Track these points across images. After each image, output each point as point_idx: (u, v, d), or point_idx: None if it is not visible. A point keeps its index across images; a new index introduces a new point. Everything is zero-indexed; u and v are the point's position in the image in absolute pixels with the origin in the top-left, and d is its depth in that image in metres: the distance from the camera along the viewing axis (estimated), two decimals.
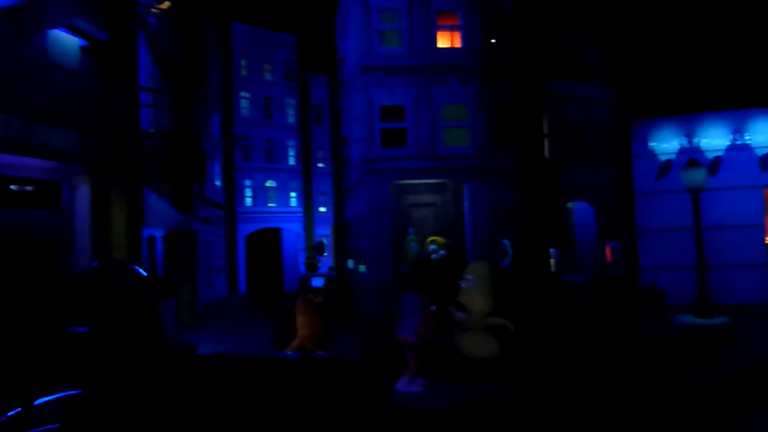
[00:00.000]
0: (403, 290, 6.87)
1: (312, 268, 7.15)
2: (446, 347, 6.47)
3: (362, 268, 11.79)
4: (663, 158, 10.86)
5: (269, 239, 20.10)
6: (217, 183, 16.77)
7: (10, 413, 1.15)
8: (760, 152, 10.59)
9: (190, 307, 10.31)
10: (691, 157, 9.03)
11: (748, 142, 10.63)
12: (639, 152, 11.17)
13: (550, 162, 12.24)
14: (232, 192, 18.05)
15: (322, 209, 22.28)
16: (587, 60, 13.28)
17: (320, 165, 22.40)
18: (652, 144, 11.03)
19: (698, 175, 8.16)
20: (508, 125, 11.76)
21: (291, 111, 21.90)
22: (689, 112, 10.79)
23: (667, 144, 10.91)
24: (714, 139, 10.72)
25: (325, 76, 20.05)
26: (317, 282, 6.63)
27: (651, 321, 8.69)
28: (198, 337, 9.00)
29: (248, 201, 20.64)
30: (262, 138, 20.92)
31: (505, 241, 11.90)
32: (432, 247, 10.44)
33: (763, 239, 10.68)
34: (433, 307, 6.42)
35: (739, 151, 10.51)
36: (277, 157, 21.43)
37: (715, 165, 10.50)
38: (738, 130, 10.54)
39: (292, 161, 21.89)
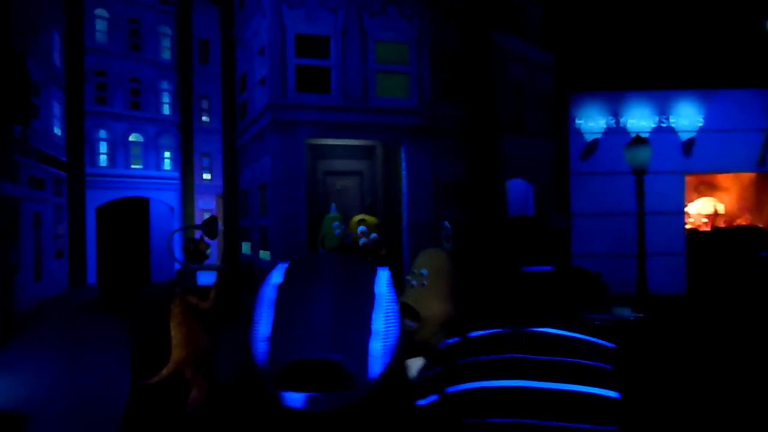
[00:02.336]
0: None
1: (198, 256, 5.54)
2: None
3: (264, 254, 10.35)
4: (589, 137, 11.20)
5: (132, 213, 17.70)
6: (56, 131, 14.03)
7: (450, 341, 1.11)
8: (683, 136, 11.17)
9: None
10: (633, 134, 8.97)
11: (672, 125, 11.20)
12: (572, 129, 11.50)
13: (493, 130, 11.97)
14: (79, 146, 15.23)
15: (207, 176, 20.22)
16: (529, 16, 13.30)
17: (205, 118, 20.17)
18: (580, 121, 11.29)
19: (644, 154, 8.13)
20: (453, 77, 11.17)
21: (167, 43, 19.39)
22: (617, 89, 11.25)
23: (593, 122, 11.24)
24: (640, 120, 11.13)
25: (215, 6, 17.72)
26: (206, 278, 5.09)
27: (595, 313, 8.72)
28: (5, 361, 6.92)
29: (102, 160, 18.01)
30: (125, 75, 18.24)
31: (446, 223, 11.34)
32: (361, 228, 9.18)
33: (683, 227, 11.34)
34: None
35: (663, 134, 11.00)
36: (146, 104, 18.89)
37: None
38: (664, 112, 11.14)
39: (166, 110, 19.47)
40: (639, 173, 8.23)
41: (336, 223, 10.80)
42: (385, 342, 0.75)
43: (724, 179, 13.31)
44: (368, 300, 0.77)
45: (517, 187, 13.10)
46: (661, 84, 11.15)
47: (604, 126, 11.19)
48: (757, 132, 11.38)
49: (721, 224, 12.93)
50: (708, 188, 13.36)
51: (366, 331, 0.74)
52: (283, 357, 0.73)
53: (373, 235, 9.92)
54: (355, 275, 0.80)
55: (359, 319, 0.75)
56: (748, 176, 12.94)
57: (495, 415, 1.05)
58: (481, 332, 1.17)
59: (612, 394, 1.04)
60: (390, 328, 0.76)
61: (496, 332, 1.15)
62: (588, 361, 1.07)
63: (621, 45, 11.34)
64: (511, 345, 1.11)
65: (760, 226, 12.59)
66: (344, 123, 9.76)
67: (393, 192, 10.57)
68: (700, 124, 11.27)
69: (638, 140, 8.35)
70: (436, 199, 10.42)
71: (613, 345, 1.12)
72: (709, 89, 11.28)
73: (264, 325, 0.75)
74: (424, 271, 3.04)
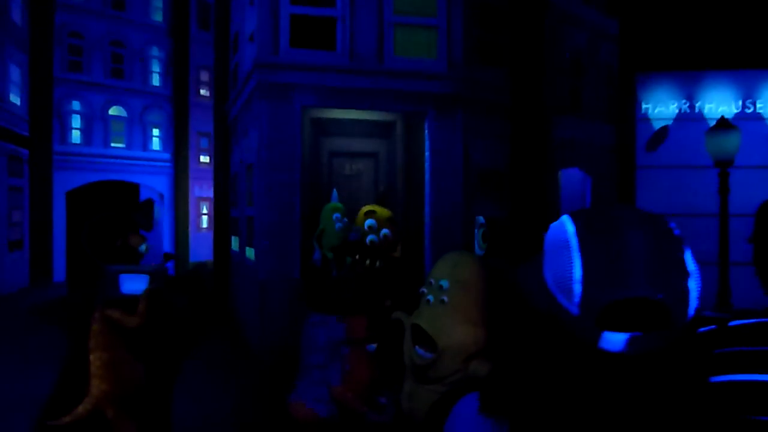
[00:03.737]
0: (312, 307, 4.68)
1: (127, 255, 4.31)
2: (388, 421, 4.38)
3: (250, 252, 9.14)
4: (657, 124, 10.27)
5: (113, 198, 16.80)
6: (14, 99, 12.97)
7: (704, 329, 1.31)
8: None
9: None
10: (720, 117, 8.17)
11: (760, 110, 10.04)
12: (638, 114, 10.58)
13: (543, 107, 10.81)
14: (46, 119, 14.21)
15: (205, 159, 19.25)
16: None
17: (204, 92, 19.17)
18: (647, 105, 10.34)
19: (731, 141, 7.58)
20: (495, 36, 9.88)
21: (159, 3, 18.36)
22: (692, 68, 10.41)
23: (663, 107, 10.40)
24: (720, 105, 10.15)
25: None
26: (133, 284, 3.87)
27: None
28: None
29: (75, 136, 16.95)
30: (106, 38, 17.17)
31: (481, 218, 10.18)
32: (369, 222, 7.82)
33: None
34: (372, 345, 4.33)
35: (749, 121, 9.91)
36: (132, 73, 17.84)
37: None
38: (749, 95, 10.22)
39: (156, 81, 18.46)
40: (724, 164, 7.63)
41: (337, 215, 9.20)
42: (698, 283, 0.81)
43: None
44: (677, 241, 0.82)
45: (571, 179, 12.18)
46: (747, 62, 10.13)
47: (676, 111, 10.36)
48: None
49: None
50: None
51: (683, 271, 0.80)
52: (601, 297, 0.78)
53: (385, 230, 8.38)
54: (655, 219, 0.85)
55: (674, 259, 0.80)
56: None
57: (758, 411, 1.07)
58: (743, 321, 1.20)
59: None
60: (699, 272, 0.82)
61: (763, 321, 1.18)
62: None
63: (699, 14, 10.13)
64: None
65: None
66: (352, 89, 8.49)
67: (416, 179, 9.32)
68: None
69: (723, 124, 7.75)
70: (468, 188, 9.17)
71: None
72: None
73: (573, 267, 0.80)
74: (445, 283, 2.48)
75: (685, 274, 0.79)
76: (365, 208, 7.93)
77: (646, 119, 10.35)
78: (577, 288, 0.79)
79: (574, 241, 0.81)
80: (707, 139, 7.76)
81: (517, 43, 9.90)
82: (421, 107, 8.83)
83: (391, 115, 9.28)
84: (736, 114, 9.94)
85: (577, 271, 0.79)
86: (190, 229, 17.43)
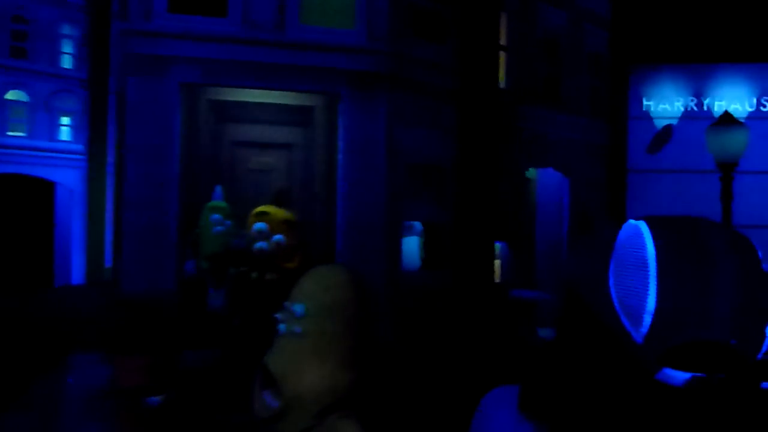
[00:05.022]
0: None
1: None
2: None
3: (119, 260, 8.29)
4: (660, 123, 9.90)
5: (21, 196, 16.18)
6: None
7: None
8: None
9: None
10: (724, 112, 7.72)
11: None
12: (632, 110, 10.16)
13: (505, 95, 10.26)
14: None
15: None
16: None
17: None
18: (648, 102, 9.86)
19: (736, 140, 7.07)
20: (435, 6, 9.28)
21: None
22: (699, 60, 10.10)
23: (666, 104, 10.00)
24: (732, 102, 9.72)
25: None
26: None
27: None
28: None
29: None
30: (5, 12, 16.51)
31: (416, 224, 9.59)
32: (258, 226, 6.98)
33: None
34: (155, 398, 3.53)
35: (765, 121, 9.61)
36: (37, 52, 17.19)
37: None
38: (766, 92, 9.99)
39: (67, 63, 17.88)
40: (727, 167, 7.12)
41: (216, 217, 8.10)
42: None
43: None
44: (764, 278, 0.82)
45: (548, 180, 11.75)
46: (764, 55, 9.76)
47: (681, 109, 10.04)
48: None
49: None
50: None
51: (764, 315, 0.80)
52: (672, 337, 0.79)
53: (278, 236, 7.42)
54: (746, 246, 0.84)
55: (759, 299, 0.80)
56: None
57: None
58: None
59: None
60: None
61: None
62: None
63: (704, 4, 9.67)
64: None
65: None
66: (248, 64, 7.77)
67: (334, 174, 8.55)
68: None
69: (727, 119, 7.25)
70: (394, 185, 8.53)
71: None
72: None
73: (647, 296, 0.80)
74: (299, 309, 2.08)
75: (765, 318, 0.80)
76: (257, 209, 7.03)
77: (642, 117, 9.88)
78: (647, 320, 0.79)
79: (653, 265, 0.79)
80: (708, 137, 7.31)
81: (465, 13, 9.13)
82: (333, 87, 8.06)
83: (310, 98, 8.57)
84: (750, 113, 9.61)
85: (651, 302, 0.78)
86: (107, 232, 16.67)
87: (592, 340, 0.86)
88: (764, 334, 0.79)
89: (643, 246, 0.81)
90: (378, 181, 8.23)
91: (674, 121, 9.78)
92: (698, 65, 10.01)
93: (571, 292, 0.89)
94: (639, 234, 0.83)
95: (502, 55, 10.19)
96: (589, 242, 0.91)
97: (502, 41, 10.10)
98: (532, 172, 11.56)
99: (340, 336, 1.96)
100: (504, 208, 10.09)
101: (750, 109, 9.76)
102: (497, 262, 9.43)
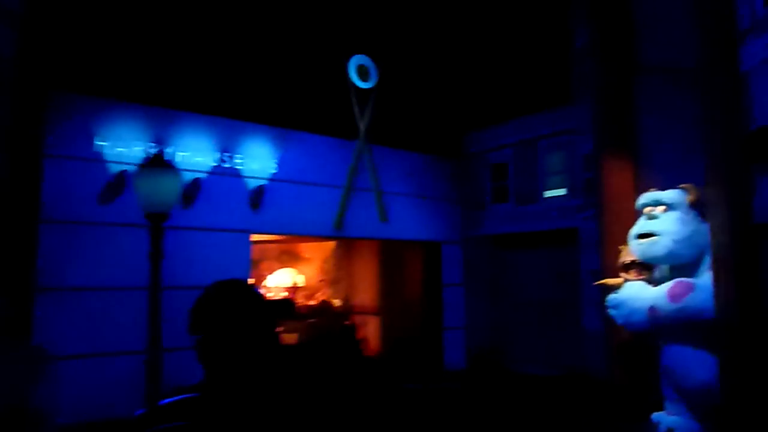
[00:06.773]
0: None
1: None
2: None
3: None
4: (117, 168, 8.62)
5: None
6: None
7: (137, 412, 1.71)
8: (252, 183, 9.96)
9: None
10: (158, 150, 7.29)
11: (239, 167, 9.87)
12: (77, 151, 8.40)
13: None
14: None
15: None
16: None
17: None
18: (101, 142, 8.63)
19: (169, 185, 5.94)
20: None
21: None
22: (159, 105, 9.17)
23: (125, 147, 8.75)
24: (197, 154, 9.43)
25: None
26: None
27: None
28: None
29: None
30: None
31: None
32: None
33: None
34: None
35: (227, 177, 9.70)
36: None
37: (193, 190, 9.27)
38: (228, 148, 9.74)
39: None
40: (157, 218, 5.81)
41: None
42: None
43: (307, 248, 13.31)
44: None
45: None
46: (226, 110, 9.69)
47: (141, 155, 8.62)
48: (334, 188, 11.03)
49: (301, 299, 12.85)
50: (291, 258, 13.12)
51: None
52: None
53: None
54: None
55: None
56: (329, 246, 13.06)
57: None
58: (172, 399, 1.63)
59: None
60: None
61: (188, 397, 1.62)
62: None
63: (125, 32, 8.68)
64: None
65: (334, 301, 12.94)
66: None
67: None
68: (273, 171, 10.29)
69: (158, 161, 5.98)
70: None
71: None
72: (286, 128, 10.52)
73: None
74: None
75: None
76: None
77: (92, 159, 8.38)
78: None
79: None
80: (136, 182, 6.00)
81: None
82: None
83: None
84: (214, 168, 9.56)
85: None
86: None
87: None
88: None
89: None
90: None
91: (131, 168, 8.31)
92: (160, 109, 9.16)
93: None
94: None
95: None
96: None
97: None
98: None
99: None
100: None
101: (213, 163, 9.55)
102: None
